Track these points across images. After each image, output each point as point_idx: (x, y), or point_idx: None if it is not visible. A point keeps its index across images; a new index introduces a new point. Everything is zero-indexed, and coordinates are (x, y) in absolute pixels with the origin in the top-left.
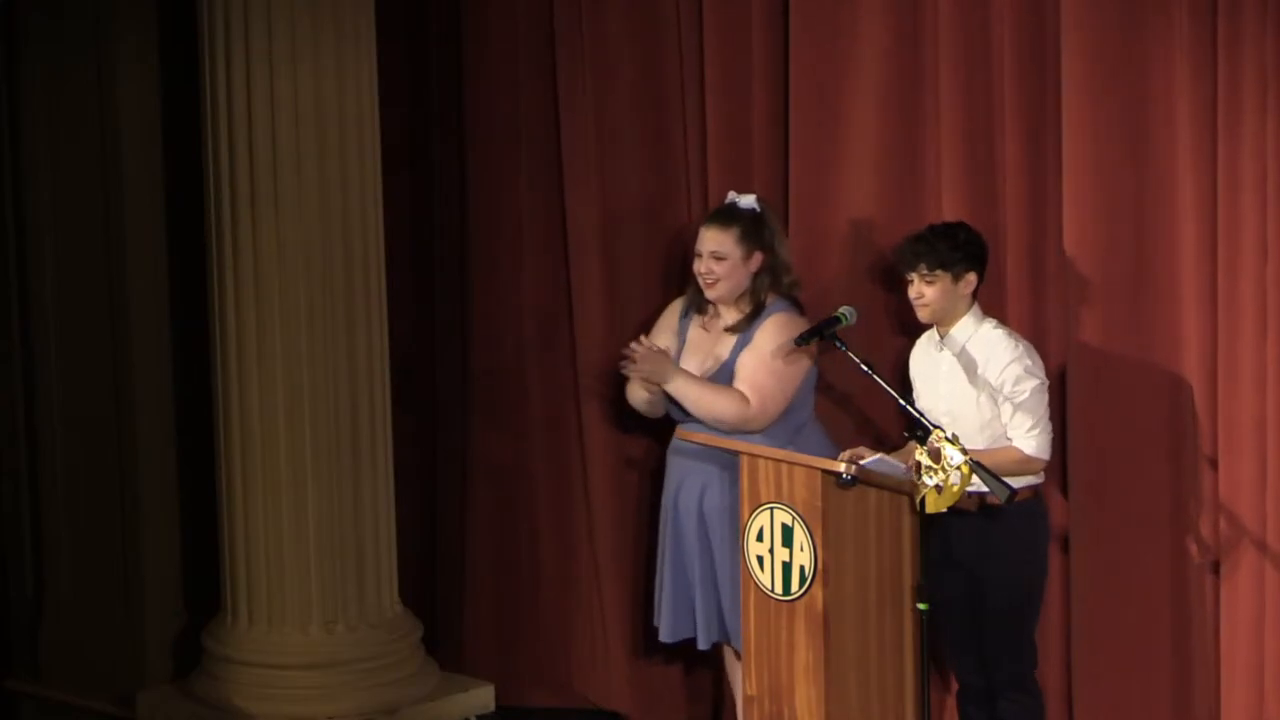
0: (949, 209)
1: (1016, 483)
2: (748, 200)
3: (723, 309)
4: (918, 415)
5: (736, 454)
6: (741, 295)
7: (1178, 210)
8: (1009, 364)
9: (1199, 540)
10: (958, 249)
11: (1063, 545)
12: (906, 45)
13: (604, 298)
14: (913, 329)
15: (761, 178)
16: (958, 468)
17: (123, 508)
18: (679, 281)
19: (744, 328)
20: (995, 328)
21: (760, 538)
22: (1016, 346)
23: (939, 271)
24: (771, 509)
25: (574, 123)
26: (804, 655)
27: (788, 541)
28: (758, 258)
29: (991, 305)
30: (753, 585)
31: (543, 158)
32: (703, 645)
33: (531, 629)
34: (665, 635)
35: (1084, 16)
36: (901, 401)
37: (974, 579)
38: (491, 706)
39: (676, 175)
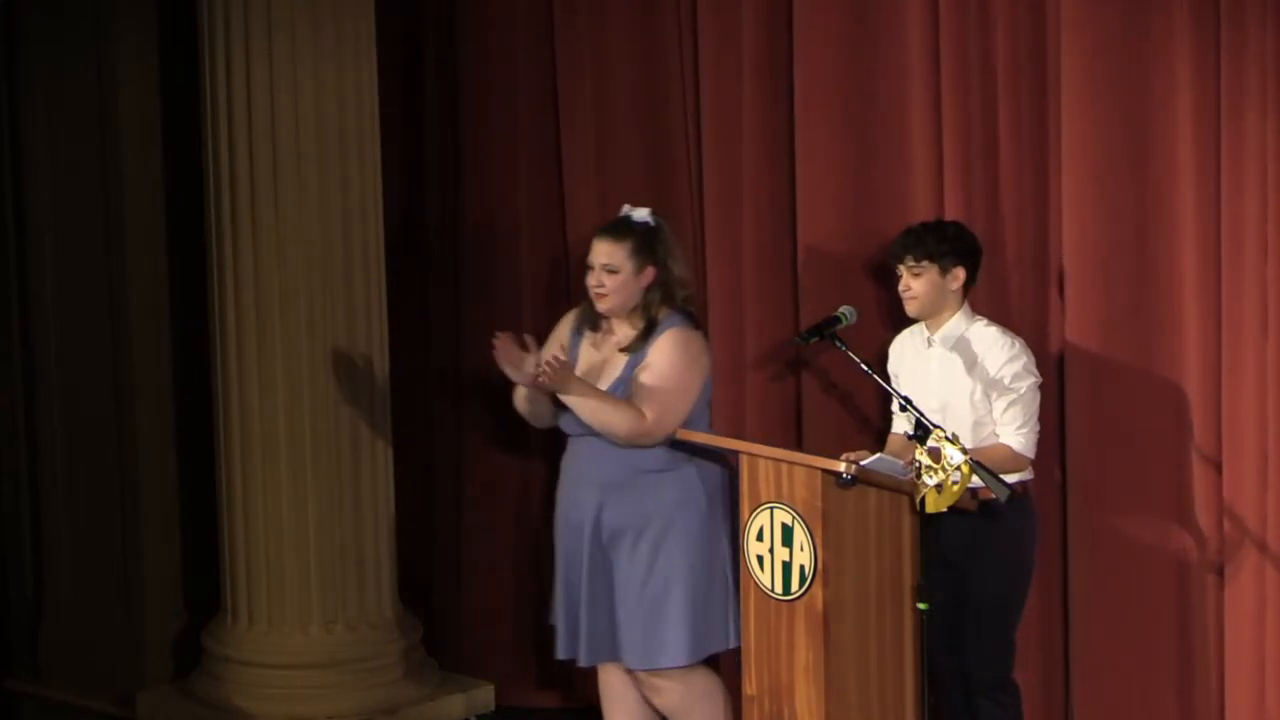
0: (949, 209)
1: (1006, 479)
2: (642, 214)
3: (615, 324)
4: (919, 415)
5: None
6: (633, 310)
7: (1178, 211)
8: (1009, 360)
9: (1199, 541)
10: (945, 241)
11: (1062, 545)
12: (907, 45)
13: None
14: (908, 325)
15: (753, 180)
16: (958, 467)
17: (123, 508)
18: None
19: (637, 346)
20: (987, 325)
21: (760, 537)
22: (1014, 344)
23: (926, 263)
24: (771, 509)
25: (573, 123)
26: (804, 655)
27: (788, 541)
28: (650, 272)
29: (991, 305)
30: (753, 585)
31: (542, 158)
32: (584, 662)
33: (530, 629)
34: (560, 652)
35: (1084, 16)
36: (903, 401)
37: (961, 577)
38: (491, 706)
39: (676, 176)
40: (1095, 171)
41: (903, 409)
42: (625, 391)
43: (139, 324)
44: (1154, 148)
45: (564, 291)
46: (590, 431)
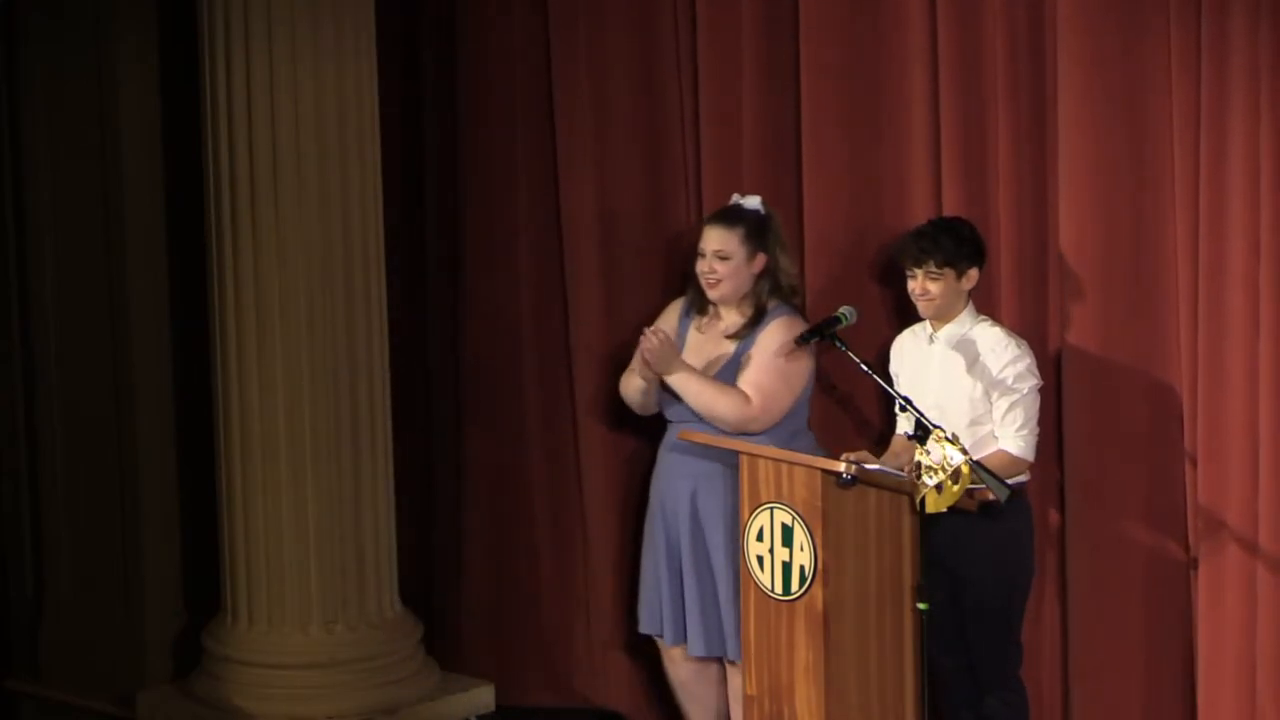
0: (947, 209)
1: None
2: (753, 201)
3: (723, 311)
4: (919, 415)
5: (736, 454)
6: (743, 298)
7: (1173, 211)
8: (1012, 360)
9: (1195, 540)
10: (963, 245)
11: (1060, 545)
12: (906, 46)
13: (600, 298)
14: (912, 322)
15: (753, 177)
16: (958, 468)
17: (123, 508)
18: (676, 282)
19: (745, 333)
20: (991, 325)
21: (760, 537)
22: (1018, 345)
23: (946, 269)
24: (771, 509)
25: (572, 123)
26: (804, 655)
27: (788, 541)
28: (761, 259)
29: (986, 304)
30: (753, 585)
31: (539, 157)
32: (695, 651)
33: (530, 629)
34: (645, 626)
35: (1079, 17)
36: (903, 401)
37: (957, 578)
38: (491, 706)
39: (674, 175)
40: (1092, 172)
41: (902, 409)
42: (732, 379)
43: (139, 324)
44: (1148, 148)
45: (560, 291)
46: (694, 419)
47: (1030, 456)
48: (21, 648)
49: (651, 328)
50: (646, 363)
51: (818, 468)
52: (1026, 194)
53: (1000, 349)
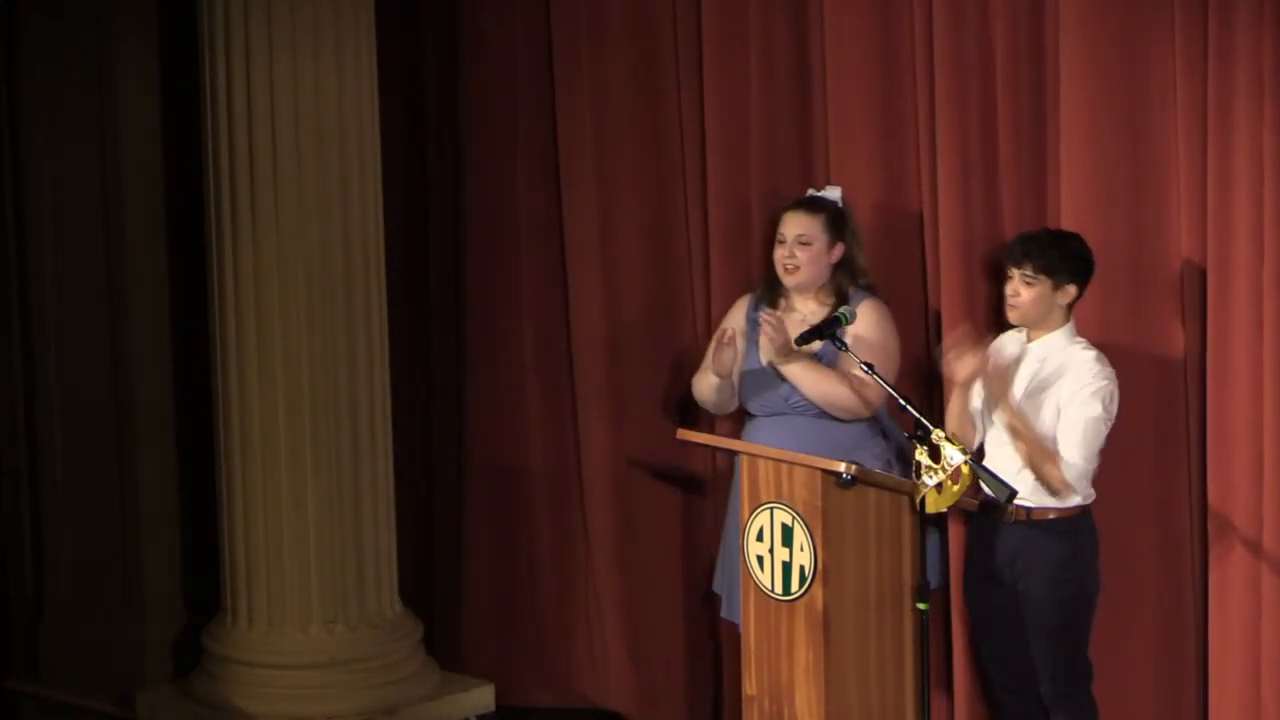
0: (947, 209)
1: (1065, 501)
2: (834, 192)
3: (798, 302)
4: (918, 415)
5: (735, 454)
6: (821, 287)
7: (1175, 207)
8: (1091, 382)
9: (1196, 538)
10: (1067, 258)
11: None
12: (906, 46)
13: (602, 298)
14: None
15: (759, 179)
16: (958, 468)
17: (123, 508)
18: (678, 284)
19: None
20: (1086, 348)
21: (760, 537)
22: (1103, 372)
23: (1042, 276)
24: (771, 509)
25: (572, 123)
26: (804, 655)
27: (788, 541)
28: (840, 248)
29: (987, 303)
30: (753, 585)
31: (541, 158)
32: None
33: (531, 629)
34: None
35: (1082, 15)
36: (902, 401)
37: (1015, 594)
38: (491, 706)
39: (674, 178)
40: (1093, 171)
41: (902, 409)
42: (831, 364)
43: (139, 324)
44: (1150, 146)
45: (562, 291)
46: (779, 411)
47: (1078, 486)
48: (21, 648)
49: (768, 313)
50: (721, 360)
51: (818, 468)
52: (1028, 194)
53: (1084, 372)
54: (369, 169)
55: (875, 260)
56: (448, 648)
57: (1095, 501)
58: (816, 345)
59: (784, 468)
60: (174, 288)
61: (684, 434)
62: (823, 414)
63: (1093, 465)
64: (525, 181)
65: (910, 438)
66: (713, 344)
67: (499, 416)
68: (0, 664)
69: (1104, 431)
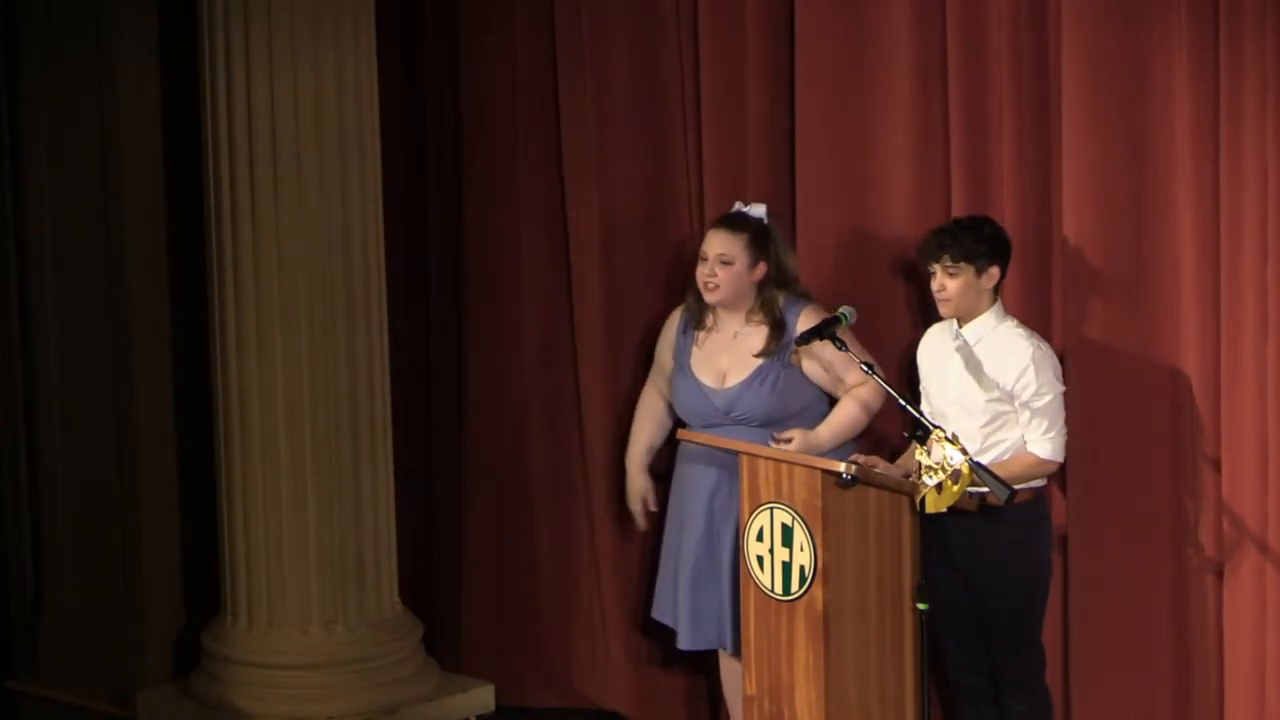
0: (949, 208)
1: (1015, 484)
2: (757, 210)
3: (722, 316)
4: (918, 415)
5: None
6: (750, 308)
7: (1178, 210)
8: (1025, 369)
9: (1199, 541)
10: (982, 242)
11: (1061, 545)
12: (906, 46)
13: (604, 301)
14: (929, 322)
15: (757, 181)
16: (958, 468)
17: (123, 508)
18: (680, 287)
19: (775, 347)
20: (1016, 327)
21: (760, 538)
22: (1034, 351)
23: (962, 264)
24: (771, 509)
25: (573, 123)
26: (804, 655)
27: (787, 541)
28: (761, 268)
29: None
30: (753, 585)
31: (541, 155)
32: (731, 650)
33: (531, 629)
34: (687, 643)
35: (1084, 16)
36: (902, 401)
37: (972, 581)
38: (491, 706)
39: (677, 182)
40: (1095, 171)
41: (901, 409)
42: (774, 389)
43: (139, 324)
44: (1154, 147)
45: (564, 292)
46: (719, 424)
47: (1059, 457)
48: (21, 648)
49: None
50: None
51: (818, 468)
52: (1031, 194)
53: (1014, 357)
54: (369, 169)
55: (876, 262)
56: (448, 648)
57: (1100, 504)
58: (757, 364)
59: (784, 467)
60: (174, 288)
61: (684, 434)
62: (764, 424)
63: (1064, 433)
64: (526, 181)
65: (909, 438)
66: (634, 501)
67: (500, 417)
68: (0, 664)
69: (1062, 400)
